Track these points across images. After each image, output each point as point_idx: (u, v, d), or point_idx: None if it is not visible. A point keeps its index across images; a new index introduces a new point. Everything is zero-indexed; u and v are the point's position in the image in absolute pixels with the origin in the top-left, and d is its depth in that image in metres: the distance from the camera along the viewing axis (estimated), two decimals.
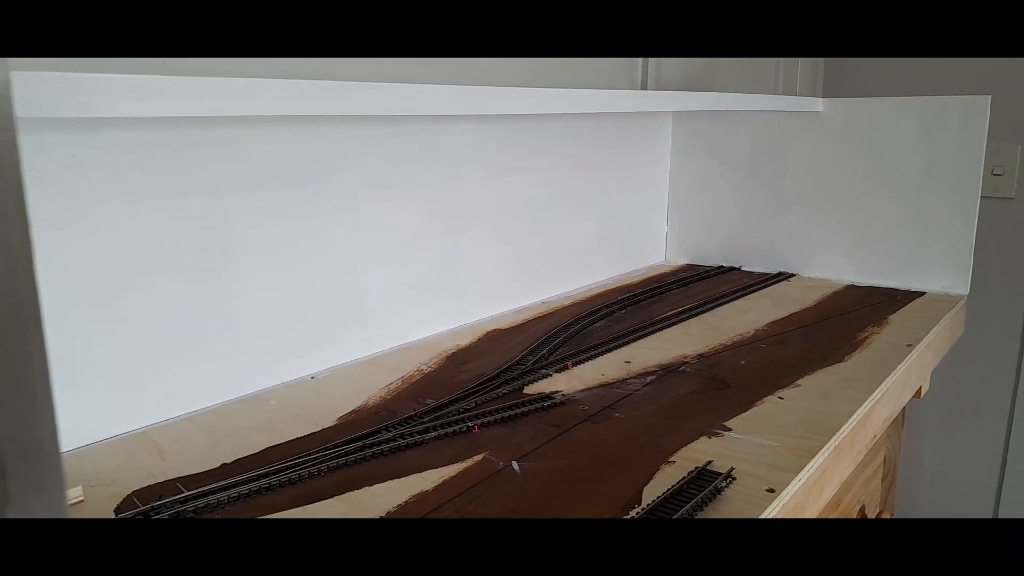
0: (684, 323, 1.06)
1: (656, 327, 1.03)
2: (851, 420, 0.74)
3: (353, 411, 0.76)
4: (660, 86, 1.38)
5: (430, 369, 0.87)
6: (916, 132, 1.22)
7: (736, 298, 1.20)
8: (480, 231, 1.06)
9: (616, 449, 0.67)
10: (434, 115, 0.96)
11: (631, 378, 0.84)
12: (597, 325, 1.05)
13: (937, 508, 1.86)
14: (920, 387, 1.05)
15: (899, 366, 0.88)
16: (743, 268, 1.41)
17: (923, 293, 1.22)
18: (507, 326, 1.04)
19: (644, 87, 1.36)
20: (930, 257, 1.23)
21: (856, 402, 0.77)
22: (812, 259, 1.34)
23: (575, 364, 0.88)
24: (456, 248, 1.02)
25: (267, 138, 0.78)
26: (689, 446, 0.68)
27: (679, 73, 1.42)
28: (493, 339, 0.98)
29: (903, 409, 1.25)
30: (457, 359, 0.90)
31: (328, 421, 0.73)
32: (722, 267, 1.42)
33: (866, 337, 0.99)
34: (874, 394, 0.80)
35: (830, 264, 1.32)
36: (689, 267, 1.44)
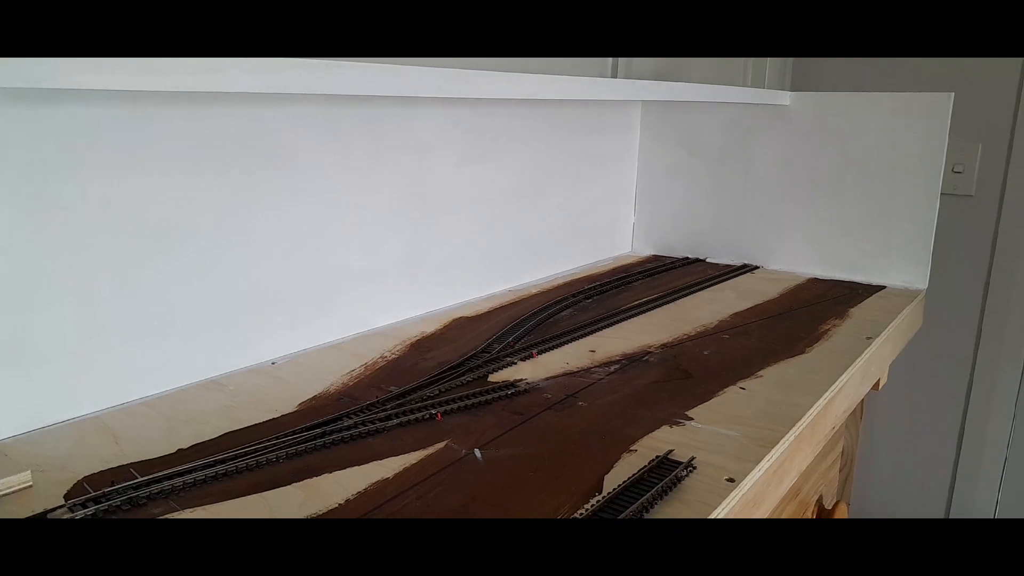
0: (649, 313, 1.06)
1: (621, 317, 1.03)
2: (811, 411, 0.74)
3: (313, 397, 0.74)
4: (630, 75, 1.38)
5: (394, 356, 0.86)
6: (881, 128, 1.23)
7: (701, 289, 1.20)
8: (448, 218, 1.05)
9: (578, 437, 0.67)
10: (402, 98, 0.95)
11: (595, 367, 0.84)
12: (563, 314, 1.05)
13: (893, 498, 1.89)
14: (879, 379, 1.07)
15: (858, 359, 0.89)
16: (708, 260, 1.42)
17: (884, 287, 1.24)
18: (473, 314, 1.03)
19: (614, 75, 1.36)
20: (891, 252, 1.25)
21: (816, 393, 0.78)
22: (776, 251, 1.35)
23: (540, 352, 0.88)
24: (423, 235, 1.01)
25: (227, 116, 0.77)
26: (651, 435, 0.68)
27: (649, 63, 1.42)
28: (459, 326, 0.98)
29: (862, 401, 1.27)
30: (422, 346, 0.90)
31: (288, 407, 0.72)
32: (687, 258, 1.43)
33: (827, 329, 1.00)
34: (834, 386, 0.80)
35: (794, 257, 1.34)
36: (655, 258, 1.45)
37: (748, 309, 1.10)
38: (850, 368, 0.86)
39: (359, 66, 0.62)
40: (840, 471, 1.28)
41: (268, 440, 0.64)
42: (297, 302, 0.86)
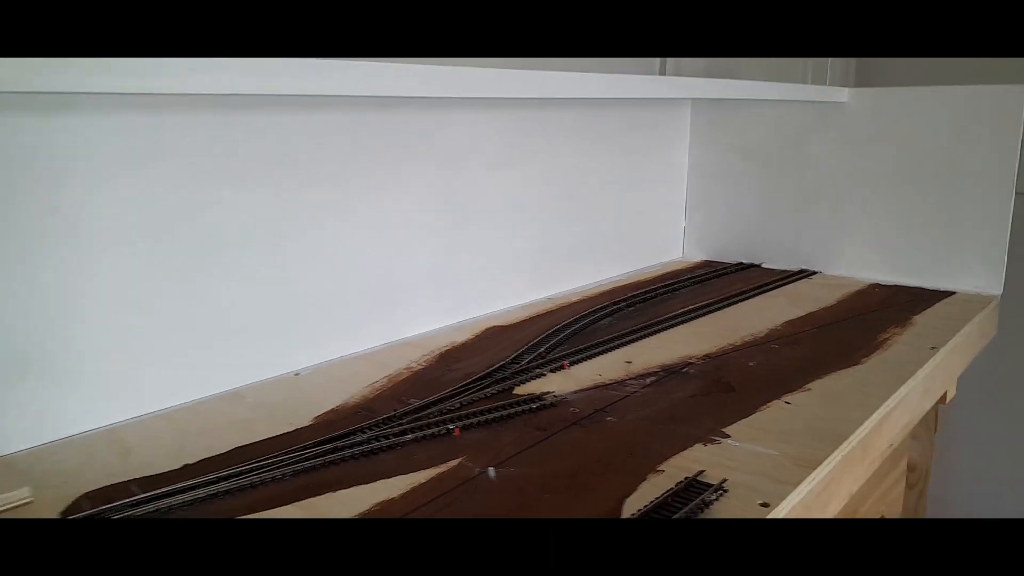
0: (694, 322, 1.01)
1: (664, 325, 0.98)
2: (862, 428, 0.68)
3: (331, 410, 0.72)
4: (679, 72, 1.33)
5: (419, 367, 0.83)
6: (948, 123, 1.15)
7: (752, 296, 1.14)
8: (483, 225, 1.02)
9: (602, 456, 0.63)
10: (434, 100, 0.92)
11: (630, 379, 0.79)
12: (602, 323, 1.01)
13: (972, 512, 1.77)
14: (945, 392, 0.99)
15: (920, 370, 0.82)
16: (764, 265, 1.35)
17: (953, 293, 1.15)
18: (507, 323, 1.00)
19: (662, 73, 1.31)
20: (962, 255, 1.16)
21: (869, 408, 0.72)
22: (836, 256, 1.28)
23: (573, 364, 0.84)
24: (457, 242, 0.98)
25: (251, 124, 0.75)
26: (682, 454, 0.63)
27: (699, 62, 1.36)
28: (490, 336, 0.94)
29: (936, 413, 1.18)
30: (449, 357, 0.87)
31: (304, 420, 0.70)
32: (742, 264, 1.36)
33: (887, 338, 0.93)
34: (889, 400, 0.74)
35: (855, 261, 1.26)
36: (707, 263, 1.39)
37: (802, 317, 1.03)
38: (909, 381, 0.79)
39: (382, 66, 0.60)
40: (911, 488, 1.20)
41: (276, 456, 0.62)
42: (323, 313, 0.84)
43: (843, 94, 1.23)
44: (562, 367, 0.83)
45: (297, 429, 0.68)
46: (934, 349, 0.88)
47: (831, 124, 1.25)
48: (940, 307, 1.08)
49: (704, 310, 1.06)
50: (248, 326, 0.78)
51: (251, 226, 0.77)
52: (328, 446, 0.63)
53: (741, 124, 1.34)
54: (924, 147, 1.17)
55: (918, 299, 1.12)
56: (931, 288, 1.18)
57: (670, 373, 0.81)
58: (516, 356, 0.86)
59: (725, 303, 1.10)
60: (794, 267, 1.32)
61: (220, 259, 0.75)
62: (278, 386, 0.78)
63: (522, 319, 1.02)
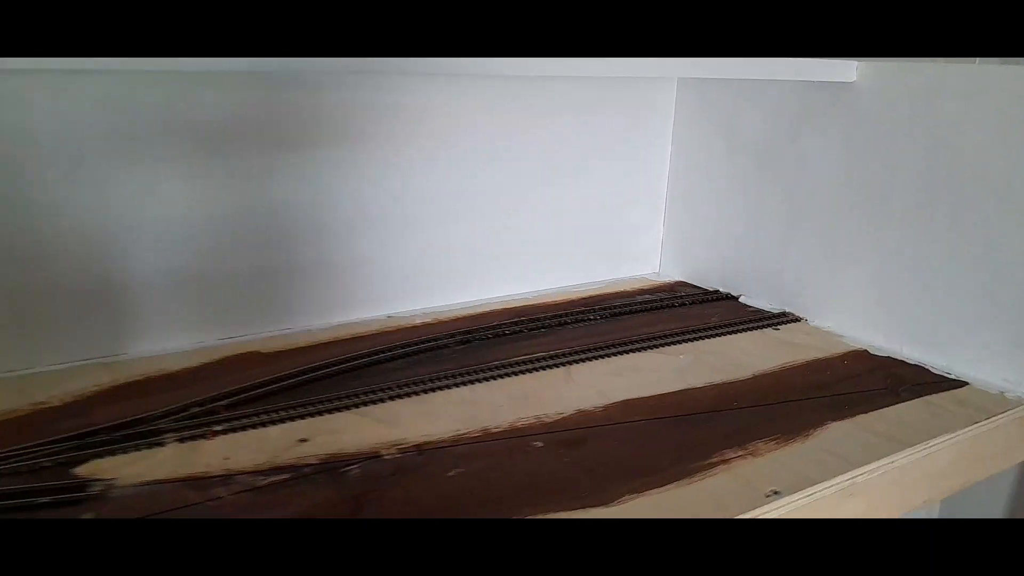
0: (529, 376, 0.74)
1: (477, 376, 0.72)
2: None
3: None
4: None
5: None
6: (994, 111, 0.74)
7: (675, 342, 0.83)
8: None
9: None
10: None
11: (241, 474, 0.56)
12: (420, 357, 0.76)
13: None
14: None
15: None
16: (741, 299, 1.00)
17: (964, 384, 0.75)
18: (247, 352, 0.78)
19: None
20: (996, 324, 0.76)
21: None
22: (826, 298, 0.90)
23: (225, 431, 0.62)
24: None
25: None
26: None
27: None
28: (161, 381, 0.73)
29: None
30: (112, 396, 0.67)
31: None
32: (718, 293, 1.02)
33: (731, 460, 0.59)
34: None
35: (848, 310, 0.88)
36: (679, 286, 1.06)
37: (697, 389, 0.72)
38: None
39: None
40: None
41: None
42: None
43: (850, 70, 0.84)
44: (208, 435, 0.61)
45: None
46: (771, 497, 0.54)
47: (833, 110, 0.87)
48: (915, 407, 0.70)
49: (569, 358, 0.77)
50: None
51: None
52: None
53: (729, 107, 0.99)
54: (960, 147, 0.77)
55: (899, 382, 0.74)
56: (938, 371, 0.78)
57: (320, 471, 0.56)
58: (181, 408, 0.65)
59: (625, 348, 0.80)
60: (775, 306, 0.96)
61: None
62: None
63: (309, 344, 0.80)
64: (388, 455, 0.59)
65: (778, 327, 0.90)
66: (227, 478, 0.55)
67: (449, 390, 0.70)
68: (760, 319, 0.92)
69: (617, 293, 1.01)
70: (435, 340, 0.81)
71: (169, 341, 0.77)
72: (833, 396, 0.71)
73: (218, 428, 0.62)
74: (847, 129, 0.86)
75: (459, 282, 0.94)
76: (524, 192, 0.96)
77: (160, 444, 0.59)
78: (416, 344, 0.79)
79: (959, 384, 0.75)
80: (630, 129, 1.04)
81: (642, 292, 1.02)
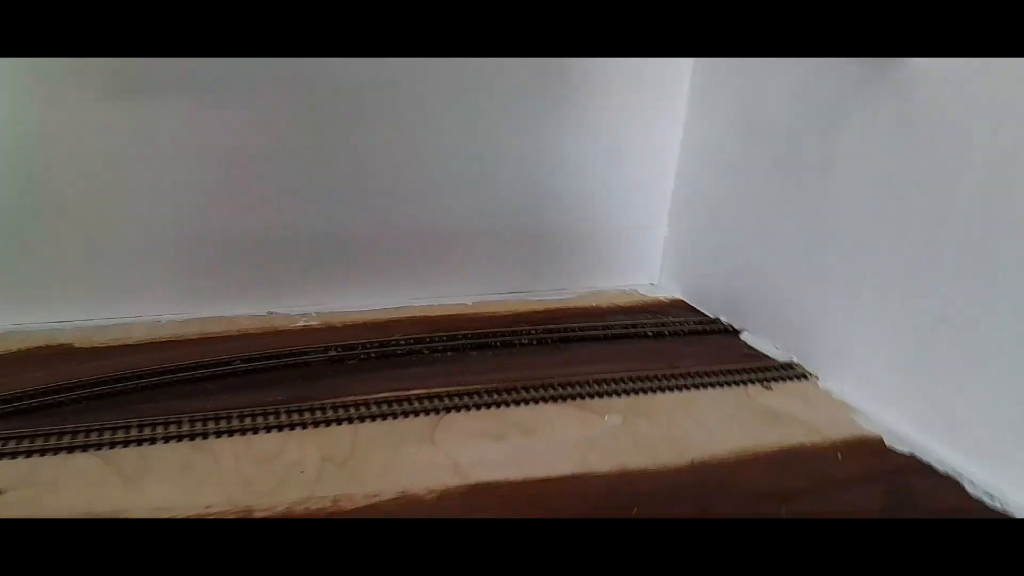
0: (357, 426, 0.54)
1: (279, 419, 0.54)
2: None
3: None
4: None
5: None
6: None
7: (612, 392, 0.62)
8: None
9: None
10: None
11: None
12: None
13: None
14: None
15: None
16: (743, 335, 0.77)
17: (1006, 518, 0.51)
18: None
19: None
20: None
21: None
22: (846, 349, 0.66)
23: None
24: None
25: None
26: None
27: None
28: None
29: None
30: None
31: None
32: (718, 323, 0.79)
33: None
34: None
35: (870, 373, 0.63)
36: (675, 306, 0.83)
37: (588, 477, 0.51)
38: None
39: None
40: None
41: None
42: None
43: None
44: None
45: None
46: None
47: (877, 98, 0.62)
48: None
49: (447, 403, 0.58)
50: None
51: None
52: None
53: (751, 86, 0.74)
54: None
55: (911, 506, 0.51)
56: (979, 493, 0.53)
57: None
58: None
59: (534, 395, 0.60)
60: (783, 350, 0.72)
61: None
62: None
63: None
64: None
65: (771, 384, 0.67)
66: None
67: (246, 436, 0.52)
68: (753, 369, 0.68)
69: (583, 309, 0.80)
70: (295, 355, 0.63)
71: None
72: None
73: None
74: (894, 126, 0.61)
75: (377, 276, 0.76)
76: (492, 171, 0.76)
77: None
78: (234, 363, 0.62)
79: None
80: (635, 109, 0.81)
81: (618, 311, 0.80)
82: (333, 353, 0.64)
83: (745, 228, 0.76)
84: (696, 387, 0.65)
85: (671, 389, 0.64)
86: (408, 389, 0.59)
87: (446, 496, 0.47)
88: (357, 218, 0.72)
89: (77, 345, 0.62)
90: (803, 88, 0.68)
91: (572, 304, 0.81)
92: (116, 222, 0.65)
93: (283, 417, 0.54)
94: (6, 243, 0.63)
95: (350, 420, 0.54)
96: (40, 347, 0.62)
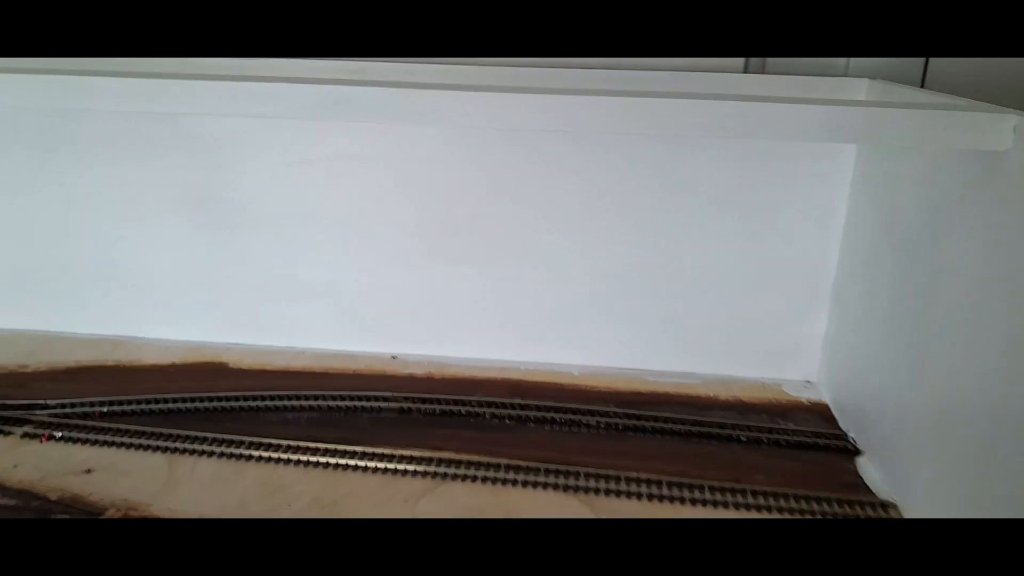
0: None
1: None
2: None
3: None
4: (778, 69, 0.72)
5: None
6: None
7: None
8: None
9: None
10: None
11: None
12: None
13: None
14: None
15: None
16: (859, 459, 0.66)
17: None
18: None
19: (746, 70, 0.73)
20: None
21: None
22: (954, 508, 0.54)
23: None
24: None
25: None
26: None
27: None
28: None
29: None
30: None
31: None
32: (841, 439, 0.69)
33: None
34: None
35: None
36: (809, 411, 0.74)
37: None
38: None
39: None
40: None
41: None
42: None
43: (1005, 132, 0.48)
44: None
45: None
46: None
47: (980, 193, 0.51)
48: None
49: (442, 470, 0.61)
50: None
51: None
52: None
53: (894, 181, 0.65)
54: None
55: None
56: None
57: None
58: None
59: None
60: (888, 488, 0.61)
61: None
62: None
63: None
64: None
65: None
66: None
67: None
68: (831, 500, 0.59)
69: (691, 398, 0.75)
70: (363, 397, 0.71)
71: None
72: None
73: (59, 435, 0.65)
74: (993, 222, 0.50)
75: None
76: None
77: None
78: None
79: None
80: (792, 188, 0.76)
81: (728, 406, 0.74)
82: (413, 404, 0.71)
83: (884, 331, 0.65)
84: (724, 506, 0.59)
85: (699, 503, 0.59)
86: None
87: None
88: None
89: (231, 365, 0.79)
90: (924, 180, 0.58)
91: (685, 391, 0.77)
92: None
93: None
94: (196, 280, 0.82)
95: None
96: (200, 362, 0.79)
